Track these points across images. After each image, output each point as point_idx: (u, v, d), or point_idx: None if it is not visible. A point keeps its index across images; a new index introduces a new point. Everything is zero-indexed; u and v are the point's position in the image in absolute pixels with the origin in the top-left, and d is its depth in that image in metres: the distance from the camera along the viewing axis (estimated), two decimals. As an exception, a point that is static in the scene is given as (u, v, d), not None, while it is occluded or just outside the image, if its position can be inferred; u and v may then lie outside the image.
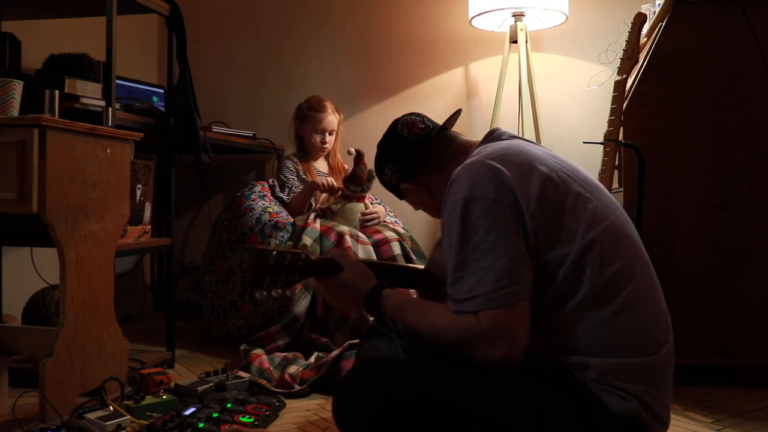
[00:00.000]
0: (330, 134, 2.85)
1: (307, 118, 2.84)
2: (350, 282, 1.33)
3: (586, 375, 1.07)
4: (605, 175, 2.15)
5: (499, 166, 1.13)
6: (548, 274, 1.10)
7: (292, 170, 2.84)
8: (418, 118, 1.42)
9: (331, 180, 2.69)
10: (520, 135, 2.62)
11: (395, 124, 1.43)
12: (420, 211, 1.48)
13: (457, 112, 1.45)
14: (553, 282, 1.09)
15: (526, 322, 1.07)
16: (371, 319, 1.51)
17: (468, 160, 1.20)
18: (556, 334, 1.09)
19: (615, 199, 1.23)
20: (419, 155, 1.37)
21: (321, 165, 2.93)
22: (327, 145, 2.85)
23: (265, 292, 1.26)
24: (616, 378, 1.05)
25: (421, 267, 1.58)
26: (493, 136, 1.31)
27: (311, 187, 2.71)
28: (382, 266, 1.60)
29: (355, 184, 2.63)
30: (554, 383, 1.08)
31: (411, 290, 2.30)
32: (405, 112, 1.49)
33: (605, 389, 1.05)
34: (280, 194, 2.79)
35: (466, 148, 1.33)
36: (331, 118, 2.83)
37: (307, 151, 2.90)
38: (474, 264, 1.09)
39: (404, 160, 1.39)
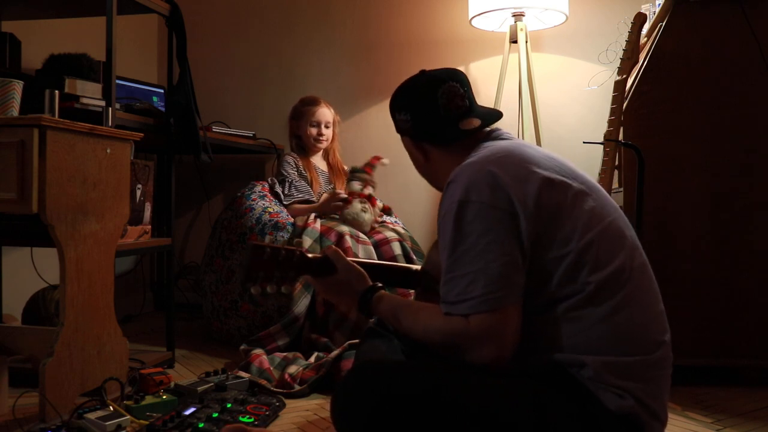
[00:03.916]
0: (326, 127, 2.86)
1: (301, 114, 2.86)
2: (345, 283, 1.33)
3: (582, 373, 1.07)
4: (605, 175, 2.15)
5: (496, 170, 1.13)
6: (545, 275, 1.10)
7: (292, 165, 2.84)
8: (461, 92, 1.32)
9: (338, 197, 2.67)
10: (520, 135, 2.62)
11: (439, 83, 1.31)
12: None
13: (499, 116, 1.37)
14: (550, 282, 1.10)
15: (516, 326, 1.07)
16: (371, 320, 1.51)
17: (466, 161, 1.20)
18: (553, 332, 1.09)
19: (613, 200, 1.23)
20: (440, 129, 1.32)
21: (320, 164, 2.93)
22: (323, 138, 2.85)
23: (259, 288, 1.27)
24: (611, 376, 1.06)
25: (419, 267, 1.58)
26: (491, 136, 1.31)
27: (321, 209, 2.69)
28: (380, 266, 1.60)
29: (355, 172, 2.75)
30: (552, 382, 1.08)
31: (410, 290, 2.30)
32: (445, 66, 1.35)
33: (601, 387, 1.06)
34: (278, 190, 2.79)
35: (474, 142, 1.30)
36: (325, 110, 2.85)
37: (305, 148, 2.91)
38: (466, 266, 1.09)
39: (423, 122, 1.33)
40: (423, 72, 1.37)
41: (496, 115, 1.36)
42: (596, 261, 1.09)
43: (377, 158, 2.78)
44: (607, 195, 1.23)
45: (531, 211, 1.10)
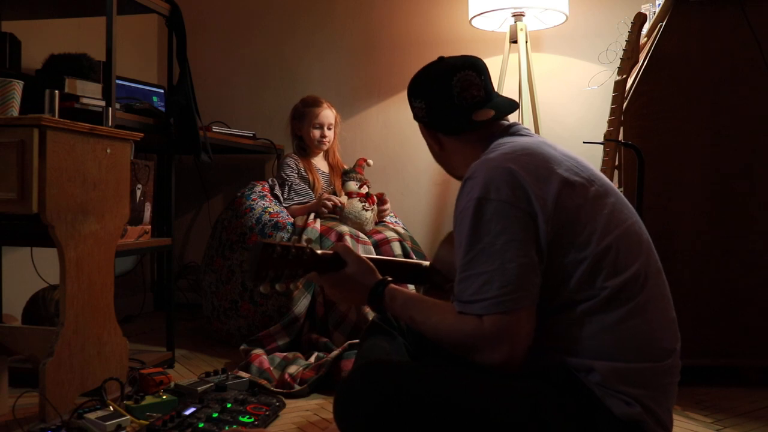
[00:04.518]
0: (329, 129, 2.86)
1: (304, 115, 2.86)
2: (354, 277, 1.30)
3: (590, 378, 1.06)
4: (605, 175, 2.15)
5: (516, 168, 1.10)
6: (562, 278, 1.08)
7: (292, 167, 2.84)
8: (477, 81, 1.28)
9: (335, 200, 2.68)
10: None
11: (455, 71, 1.28)
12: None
13: (515, 106, 1.34)
14: (566, 285, 1.08)
15: (529, 329, 1.06)
16: (371, 318, 1.51)
17: (485, 156, 1.18)
18: (564, 335, 1.08)
19: (628, 202, 1.21)
20: (452, 119, 1.29)
21: (321, 164, 2.93)
22: (326, 140, 2.86)
23: (269, 286, 1.26)
24: (620, 382, 1.05)
25: (427, 264, 1.57)
26: (510, 130, 1.28)
27: (315, 207, 2.70)
28: (387, 262, 1.59)
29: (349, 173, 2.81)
30: (558, 385, 1.07)
31: (411, 286, 2.31)
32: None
33: (609, 392, 1.05)
34: (278, 192, 2.79)
35: (491, 134, 1.28)
36: (328, 112, 2.86)
37: (306, 149, 2.91)
38: (482, 265, 1.07)
39: (436, 111, 1.30)
40: (441, 59, 1.34)
41: (512, 105, 1.33)
42: (614, 266, 1.08)
43: (363, 159, 2.86)
44: (624, 197, 1.21)
45: (550, 212, 1.08)
